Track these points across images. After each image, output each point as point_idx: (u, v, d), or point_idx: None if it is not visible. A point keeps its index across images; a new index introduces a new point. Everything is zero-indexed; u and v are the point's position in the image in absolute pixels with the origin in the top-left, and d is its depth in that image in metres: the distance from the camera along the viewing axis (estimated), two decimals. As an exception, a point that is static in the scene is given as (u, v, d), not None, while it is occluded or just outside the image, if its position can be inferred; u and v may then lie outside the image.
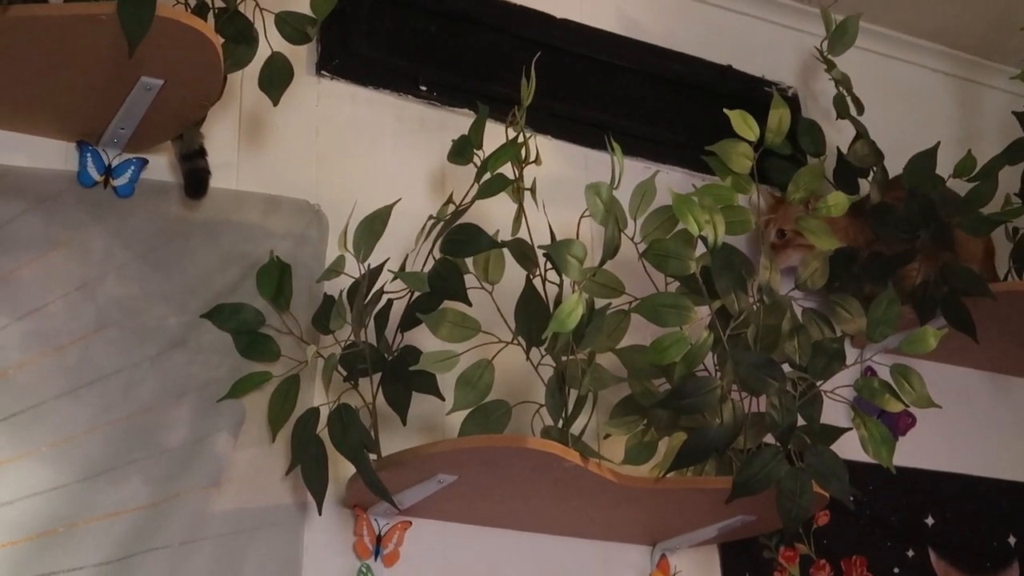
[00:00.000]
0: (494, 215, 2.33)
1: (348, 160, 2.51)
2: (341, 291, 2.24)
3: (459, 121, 2.54)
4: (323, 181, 2.46)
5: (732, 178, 2.46)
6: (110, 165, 2.27)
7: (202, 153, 2.32)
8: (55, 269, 2.19)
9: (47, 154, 2.25)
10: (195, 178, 2.30)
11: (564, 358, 2.19)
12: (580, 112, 2.76)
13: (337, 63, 2.54)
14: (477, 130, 2.30)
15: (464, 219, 2.24)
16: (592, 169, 2.65)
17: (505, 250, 2.25)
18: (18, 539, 2.04)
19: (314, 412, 2.19)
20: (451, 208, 2.27)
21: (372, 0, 2.29)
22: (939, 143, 2.76)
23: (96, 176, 2.26)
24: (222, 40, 2.13)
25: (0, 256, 2.15)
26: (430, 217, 2.28)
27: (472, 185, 2.26)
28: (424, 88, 2.61)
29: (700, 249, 2.26)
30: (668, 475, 2.25)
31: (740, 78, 2.97)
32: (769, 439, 2.30)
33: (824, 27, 2.78)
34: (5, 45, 2.04)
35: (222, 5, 2.21)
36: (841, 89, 2.79)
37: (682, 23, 2.99)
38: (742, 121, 2.49)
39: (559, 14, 2.80)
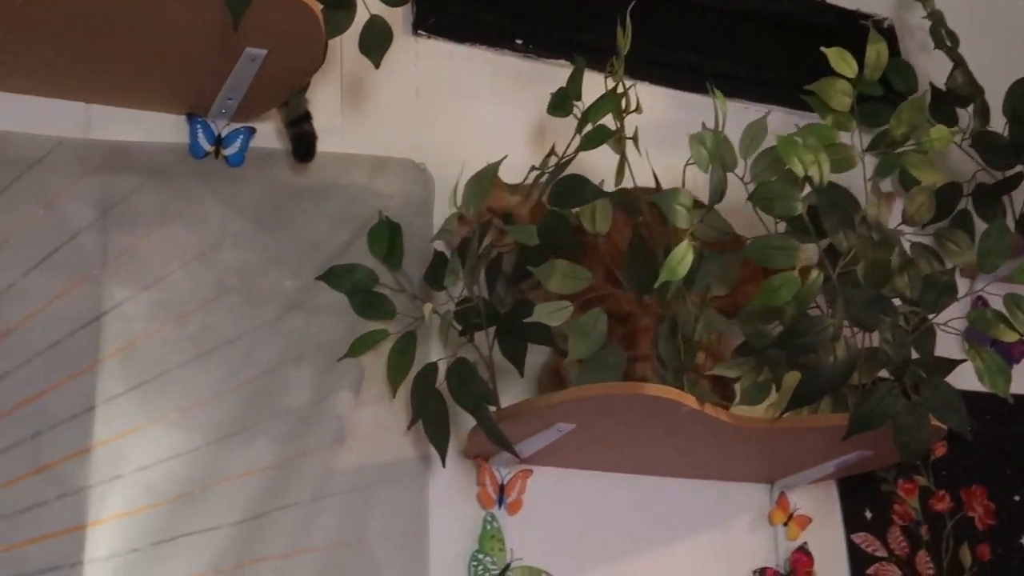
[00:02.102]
0: (596, 165, 2.34)
1: (449, 117, 2.53)
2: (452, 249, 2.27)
3: (555, 72, 2.55)
4: (426, 139, 2.48)
5: (833, 116, 2.45)
6: (220, 135, 2.32)
7: (308, 118, 2.35)
8: (173, 240, 2.25)
9: (158, 128, 2.30)
10: (303, 142, 2.34)
11: (676, 304, 2.21)
12: (675, 57, 2.76)
13: (433, 21, 2.56)
14: (575, 82, 2.31)
15: (567, 170, 2.26)
16: (691, 112, 2.61)
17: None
18: (158, 502, 2.12)
19: (432, 367, 2.24)
20: (553, 160, 2.29)
21: (465, -44, 2.32)
22: (1034, 68, 2.74)
23: (207, 147, 2.31)
24: (320, 7, 2.16)
25: (121, 230, 2.21)
26: (532, 168, 2.31)
27: (573, 136, 2.28)
28: (519, 41, 2.62)
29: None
30: (784, 415, 2.27)
31: (835, 12, 2.94)
32: (883, 374, 2.30)
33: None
34: (110, 21, 2.07)
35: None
36: (936, 25, 2.76)
37: (772, -41, 2.97)
38: (840, 58, 2.47)
39: (649, -41, 2.80)
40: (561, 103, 2.33)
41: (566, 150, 2.29)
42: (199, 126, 2.31)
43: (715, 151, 2.20)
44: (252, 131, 2.35)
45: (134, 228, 2.22)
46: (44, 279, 2.14)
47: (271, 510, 2.18)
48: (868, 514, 2.58)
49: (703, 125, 2.23)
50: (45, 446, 2.08)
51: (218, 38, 2.11)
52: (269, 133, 2.37)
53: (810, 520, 2.54)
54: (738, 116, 2.39)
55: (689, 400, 2.17)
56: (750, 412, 2.33)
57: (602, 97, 2.26)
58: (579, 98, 2.31)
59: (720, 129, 2.22)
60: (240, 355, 2.24)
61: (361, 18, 2.29)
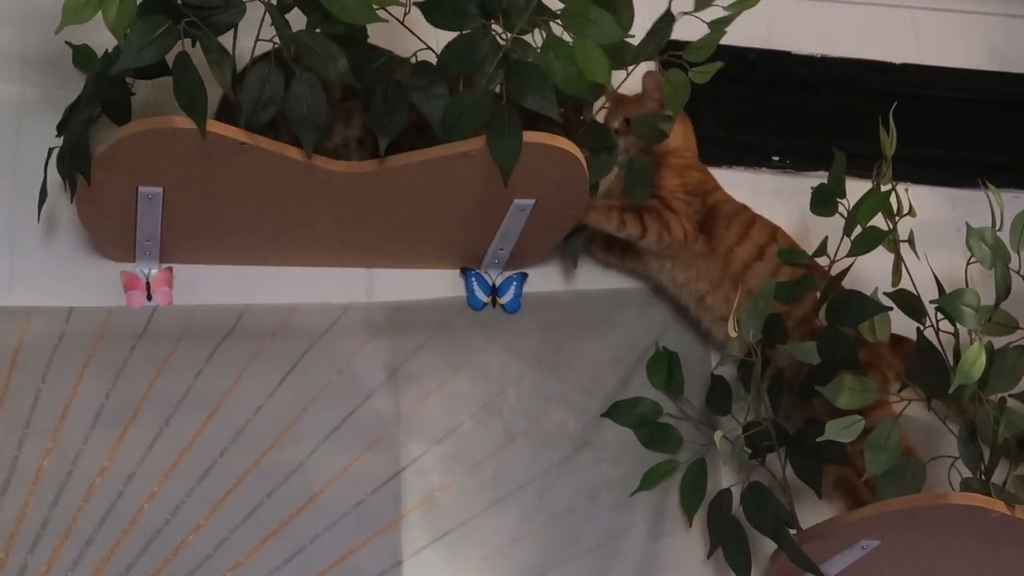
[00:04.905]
0: (867, 265, 2.31)
1: (713, 240, 2.55)
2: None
3: (815, 184, 2.54)
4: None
5: (1112, 195, 2.38)
6: (495, 285, 2.39)
7: None
8: (460, 391, 2.32)
9: (435, 284, 2.39)
10: None
11: (972, 407, 2.16)
12: (934, 153, 2.72)
13: (689, 150, 2.59)
14: (837, 177, 2.29)
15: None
16: (960, 208, 2.61)
17: (888, 304, 2.24)
18: (470, 651, 2.16)
19: (726, 493, 2.23)
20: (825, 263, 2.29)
21: (712, 83, 2.34)
22: None
23: (483, 298, 2.38)
24: (585, 152, 2.21)
25: (410, 387, 2.29)
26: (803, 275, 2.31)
27: (841, 240, 2.27)
28: (776, 158, 2.64)
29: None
30: (1102, 510, 2.17)
31: (1098, 87, 2.87)
32: None
33: None
34: (387, 192, 2.19)
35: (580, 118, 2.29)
36: None
37: (1022, 44, 2.91)
38: (1114, 131, 2.41)
39: (897, 60, 2.79)
40: (824, 200, 2.30)
41: (835, 255, 2.27)
42: (474, 278, 2.39)
43: (997, 246, 2.15)
44: (524, 276, 2.41)
45: (422, 384, 2.30)
46: (343, 442, 2.23)
47: (581, 651, 2.20)
48: None
49: (967, 225, 2.19)
50: (357, 606, 2.16)
51: (486, 193, 2.19)
52: (541, 276, 2.43)
53: None
54: (1010, 206, 2.34)
55: (997, 506, 2.10)
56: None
57: (867, 196, 2.24)
58: (843, 195, 2.29)
59: (1000, 225, 2.17)
60: (534, 498, 2.28)
61: (618, 156, 2.35)
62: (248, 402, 2.22)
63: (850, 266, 2.24)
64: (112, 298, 2.25)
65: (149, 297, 2.26)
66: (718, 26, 2.23)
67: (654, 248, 2.34)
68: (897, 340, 2.27)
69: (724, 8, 2.24)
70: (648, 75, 2.40)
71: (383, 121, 2.13)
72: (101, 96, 2.11)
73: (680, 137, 2.41)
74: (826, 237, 2.30)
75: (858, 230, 2.26)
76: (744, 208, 2.42)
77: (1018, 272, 2.21)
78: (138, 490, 2.13)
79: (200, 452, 2.17)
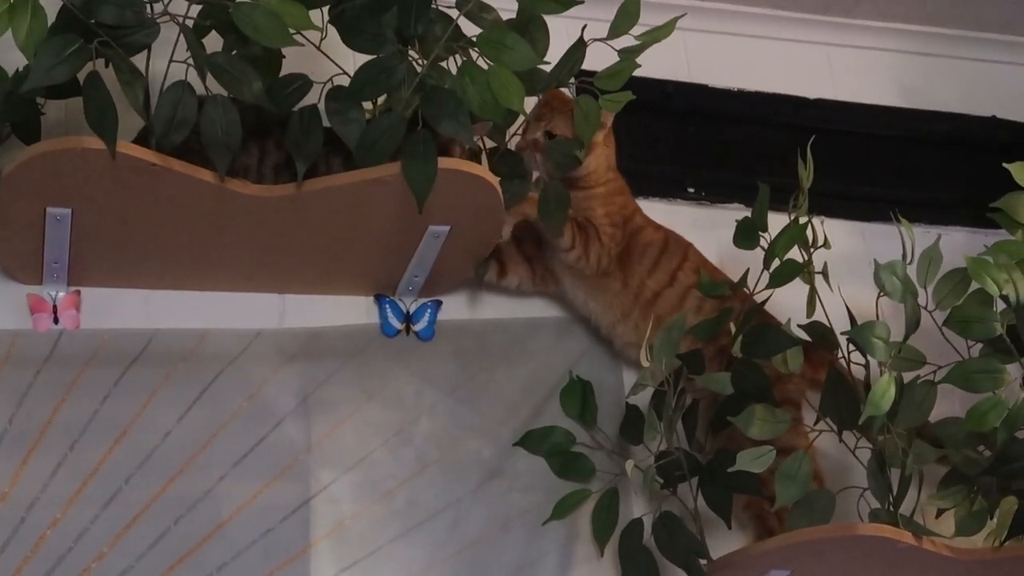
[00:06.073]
0: (782, 297, 2.32)
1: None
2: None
3: (729, 217, 2.53)
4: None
5: (1023, 231, 2.41)
6: (408, 312, 2.38)
7: None
8: (372, 419, 2.30)
9: (349, 311, 2.37)
10: None
11: (881, 438, 2.17)
12: (848, 188, 2.75)
13: (605, 179, 2.60)
14: (761, 211, 2.31)
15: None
16: (871, 242, 2.63)
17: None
18: None
19: (638, 523, 2.24)
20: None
21: (629, 115, 2.34)
22: None
23: (397, 325, 2.37)
24: (498, 179, 2.21)
25: (322, 414, 2.27)
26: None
27: (761, 273, 2.28)
28: (691, 190, 2.65)
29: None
30: (1006, 543, 2.19)
31: (1008, 127, 2.91)
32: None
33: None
34: (301, 217, 2.17)
35: (492, 145, 2.29)
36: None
37: (935, 82, 2.95)
38: (1024, 172, 2.44)
39: (812, 95, 2.82)
40: (748, 234, 2.32)
41: (755, 287, 2.29)
42: (388, 305, 2.37)
43: (907, 280, 2.17)
44: (439, 304, 2.40)
45: (334, 411, 2.28)
46: (253, 470, 2.20)
47: None
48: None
49: (875, 262, 2.21)
50: (264, 636, 2.13)
51: (401, 220, 2.18)
52: (455, 304, 2.42)
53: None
54: (921, 241, 2.36)
55: (905, 536, 2.11)
56: (970, 543, 2.26)
57: (785, 230, 2.26)
58: (765, 228, 2.30)
59: (910, 259, 2.20)
60: (446, 527, 2.27)
61: (534, 183, 2.35)
62: (156, 428, 2.19)
63: (766, 300, 2.26)
64: (18, 321, 2.22)
65: (56, 320, 2.22)
66: (628, 55, 2.23)
67: (570, 263, 2.34)
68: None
69: (636, 38, 2.24)
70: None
71: (300, 145, 2.11)
72: (10, 115, 2.08)
73: (603, 159, 2.38)
74: (747, 269, 2.32)
75: (776, 263, 2.27)
76: (657, 232, 2.43)
77: (926, 307, 2.24)
78: (40, 517, 2.09)
79: (105, 478, 2.13)
